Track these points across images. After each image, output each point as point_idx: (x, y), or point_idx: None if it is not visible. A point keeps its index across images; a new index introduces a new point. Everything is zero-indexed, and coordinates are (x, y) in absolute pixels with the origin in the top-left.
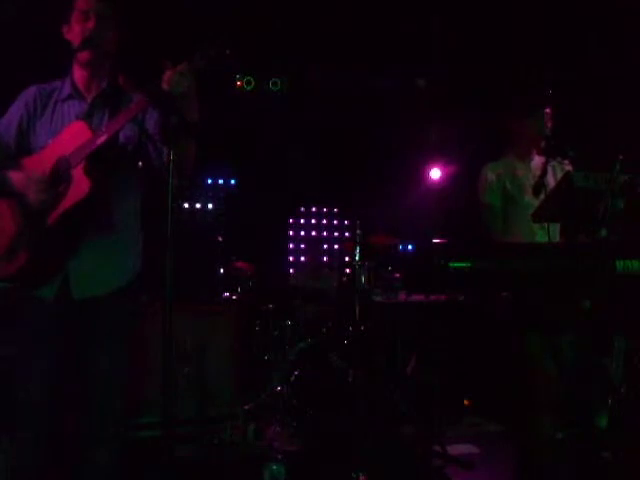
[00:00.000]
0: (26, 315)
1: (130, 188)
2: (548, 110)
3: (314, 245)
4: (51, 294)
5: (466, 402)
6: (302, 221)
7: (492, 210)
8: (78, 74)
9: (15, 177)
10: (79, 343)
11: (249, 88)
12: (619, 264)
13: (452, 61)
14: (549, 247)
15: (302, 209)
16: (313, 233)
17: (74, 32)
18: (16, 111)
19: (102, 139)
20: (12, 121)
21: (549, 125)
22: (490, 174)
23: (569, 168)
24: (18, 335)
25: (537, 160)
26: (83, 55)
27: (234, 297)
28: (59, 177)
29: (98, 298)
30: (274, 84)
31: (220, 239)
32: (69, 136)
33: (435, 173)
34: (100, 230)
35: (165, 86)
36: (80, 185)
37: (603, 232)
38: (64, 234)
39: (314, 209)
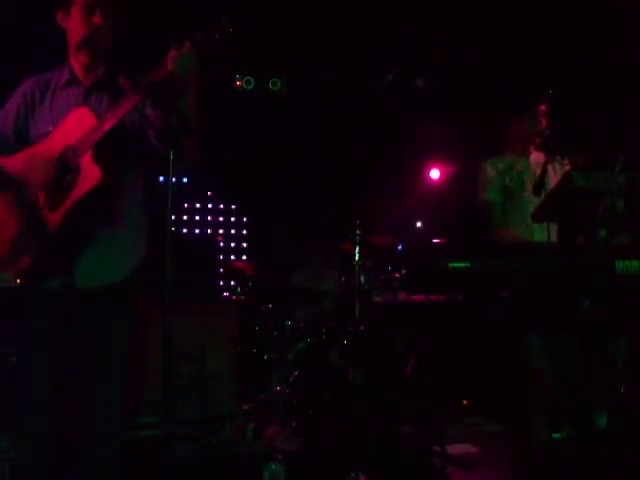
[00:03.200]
0: (28, 313)
1: (136, 176)
2: (542, 107)
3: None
4: (56, 286)
5: (465, 402)
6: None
7: (493, 206)
8: (75, 62)
9: (13, 162)
10: (82, 335)
11: (249, 88)
12: (619, 264)
13: (451, 60)
14: (549, 247)
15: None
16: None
17: (75, 23)
18: (14, 102)
19: (109, 125)
20: (10, 112)
21: (543, 122)
22: (490, 169)
23: (568, 167)
24: (19, 333)
25: (535, 156)
26: (84, 51)
27: (234, 297)
28: (66, 167)
29: (102, 287)
30: (274, 84)
31: (220, 239)
32: (73, 123)
33: (434, 173)
34: (109, 220)
35: (170, 67)
36: (90, 173)
37: (602, 232)
38: (74, 227)
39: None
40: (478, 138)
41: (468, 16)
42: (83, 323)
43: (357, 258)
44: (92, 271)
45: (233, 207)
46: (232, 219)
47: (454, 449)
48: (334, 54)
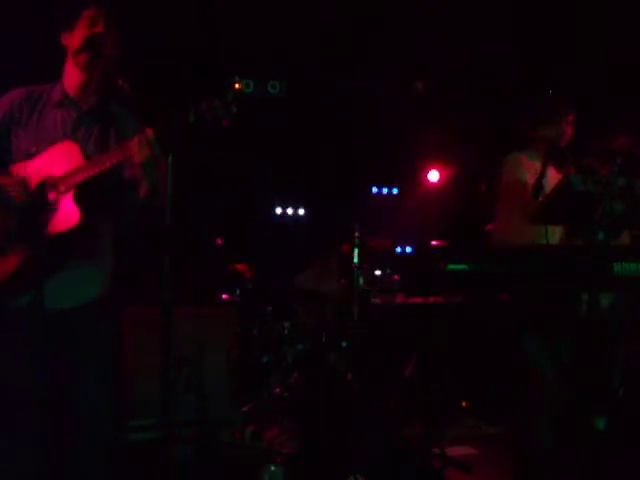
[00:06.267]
0: (11, 323)
1: (110, 215)
2: (570, 117)
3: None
4: (24, 303)
5: (464, 404)
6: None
7: (525, 186)
8: (71, 80)
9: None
10: (67, 353)
11: (248, 91)
12: (617, 267)
13: (452, 64)
14: (547, 250)
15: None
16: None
17: (76, 36)
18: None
19: (96, 170)
20: None
21: (568, 131)
22: (515, 160)
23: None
24: (8, 342)
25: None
26: (82, 57)
27: (233, 299)
28: (44, 199)
29: (71, 310)
30: (273, 87)
31: (219, 241)
32: (59, 155)
33: (433, 175)
34: (82, 254)
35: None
36: (69, 214)
37: (601, 235)
38: (46, 257)
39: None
40: (478, 140)
41: (467, 16)
42: (59, 341)
43: (356, 260)
44: (60, 295)
45: None
46: None
47: (453, 451)
48: (334, 57)
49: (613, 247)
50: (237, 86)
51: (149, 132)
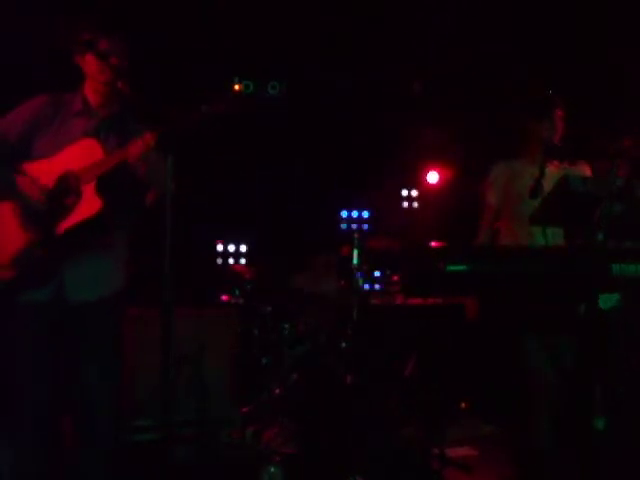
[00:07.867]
0: (21, 318)
1: (129, 206)
2: (560, 112)
3: None
4: (45, 298)
5: (463, 404)
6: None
7: (485, 209)
8: (90, 92)
9: (21, 180)
10: (73, 348)
11: (247, 92)
12: (615, 268)
13: (452, 64)
14: (546, 250)
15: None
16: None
17: (91, 66)
18: (23, 114)
19: (114, 162)
20: (17, 122)
21: (560, 127)
22: (494, 172)
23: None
24: (14, 338)
25: (551, 168)
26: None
27: (232, 300)
28: (67, 189)
29: (90, 303)
30: (273, 88)
31: (219, 243)
32: (80, 151)
33: (432, 176)
34: (100, 245)
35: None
36: (91, 203)
37: (600, 236)
38: (66, 245)
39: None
40: (477, 141)
41: (468, 15)
42: (75, 334)
43: (355, 262)
44: (80, 287)
45: None
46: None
47: (453, 451)
48: (334, 57)
49: (612, 248)
50: (237, 87)
51: (149, 136)
